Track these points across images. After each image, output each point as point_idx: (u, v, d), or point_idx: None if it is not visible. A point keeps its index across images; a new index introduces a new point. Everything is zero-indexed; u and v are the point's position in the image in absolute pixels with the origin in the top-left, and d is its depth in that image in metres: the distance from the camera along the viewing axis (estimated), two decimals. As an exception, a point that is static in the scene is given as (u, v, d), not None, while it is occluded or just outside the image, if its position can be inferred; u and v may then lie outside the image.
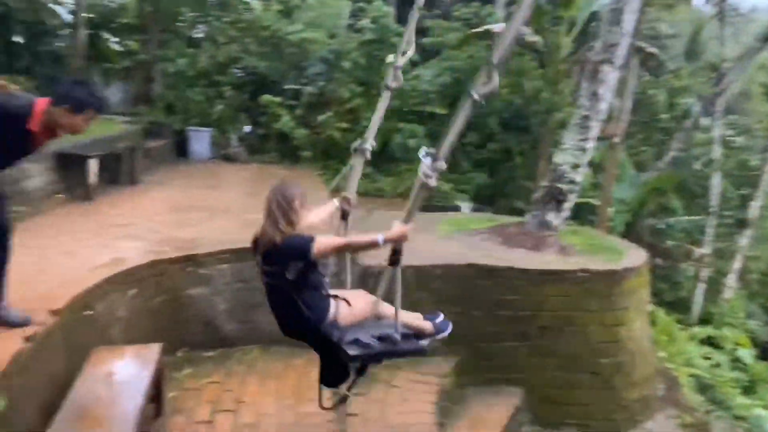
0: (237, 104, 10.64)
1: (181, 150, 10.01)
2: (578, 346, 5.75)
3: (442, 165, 3.05)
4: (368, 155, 3.91)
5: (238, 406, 4.34)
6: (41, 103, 3.17)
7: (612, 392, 5.87)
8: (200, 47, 10.68)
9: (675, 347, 8.04)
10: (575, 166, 6.65)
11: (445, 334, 3.63)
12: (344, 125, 10.01)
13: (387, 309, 3.35)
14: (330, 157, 10.20)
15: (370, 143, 3.96)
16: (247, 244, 5.13)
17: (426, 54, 12.04)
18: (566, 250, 6.37)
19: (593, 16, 10.93)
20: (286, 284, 3.11)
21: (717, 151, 14.08)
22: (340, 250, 3.36)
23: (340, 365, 3.44)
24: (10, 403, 2.96)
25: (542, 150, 10.52)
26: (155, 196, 7.08)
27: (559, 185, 6.62)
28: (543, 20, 10.10)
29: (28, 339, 3.30)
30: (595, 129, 6.66)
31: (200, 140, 10.00)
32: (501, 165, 10.67)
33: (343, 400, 3.78)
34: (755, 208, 13.88)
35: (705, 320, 12.66)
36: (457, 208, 9.32)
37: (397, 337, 3.22)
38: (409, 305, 5.45)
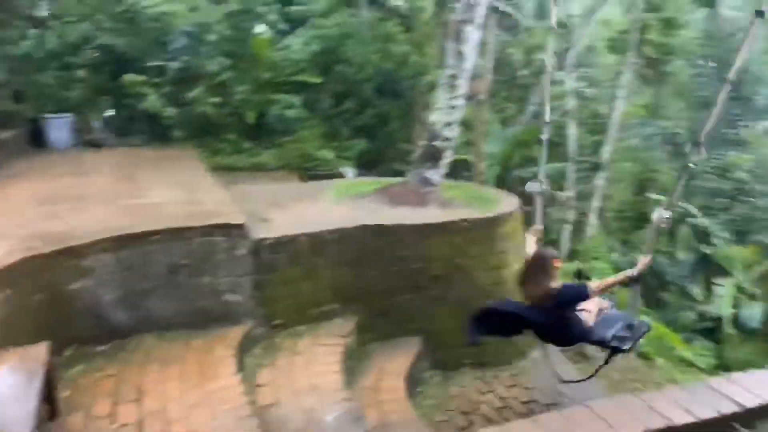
0: (97, 86, 9.87)
1: (37, 139, 9.16)
2: (467, 291, 6.15)
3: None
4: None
5: (141, 395, 4.21)
6: None
7: (500, 329, 6.36)
8: (46, 27, 9.74)
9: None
10: (448, 124, 6.98)
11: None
12: (216, 100, 9.66)
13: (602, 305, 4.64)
14: (206, 133, 9.82)
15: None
16: (130, 230, 4.93)
17: (294, 23, 11.88)
18: (448, 204, 6.73)
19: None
20: (563, 317, 4.26)
21: (571, 103, 15.29)
22: (604, 290, 4.29)
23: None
24: None
25: (416, 112, 10.85)
26: (14, 191, 6.50)
27: (435, 143, 6.93)
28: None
29: None
30: (463, 87, 7.01)
31: (58, 127, 9.20)
32: (379, 130, 10.89)
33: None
34: (606, 152, 15.32)
35: (573, 257, 13.94)
36: (341, 175, 9.43)
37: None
38: (306, 271, 5.54)
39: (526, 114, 15.52)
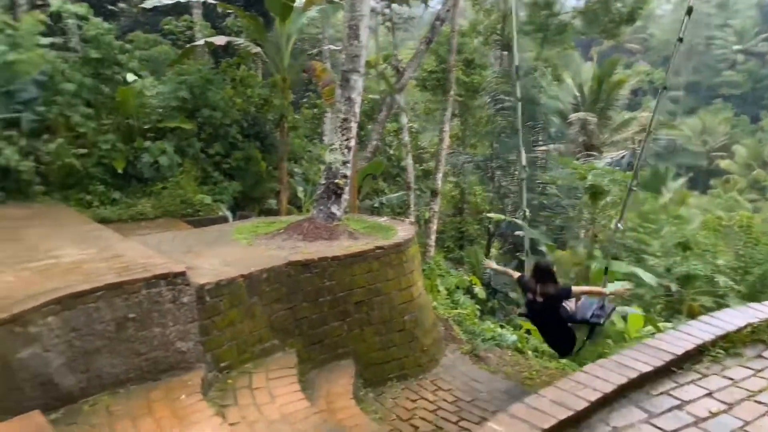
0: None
1: None
2: (387, 311, 6.82)
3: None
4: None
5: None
6: None
7: (416, 342, 7.12)
8: None
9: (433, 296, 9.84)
10: (345, 163, 7.65)
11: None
12: (81, 151, 9.14)
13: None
14: (69, 186, 9.21)
15: None
16: (70, 290, 4.84)
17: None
18: (355, 235, 7.37)
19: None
20: (557, 309, 6.02)
21: (406, 137, 16.84)
22: (578, 294, 6.23)
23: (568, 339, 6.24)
24: None
25: (281, 152, 11.30)
26: None
27: (336, 181, 7.54)
28: (263, 33, 10.81)
29: None
30: (354, 129, 7.75)
31: None
32: (247, 171, 11.13)
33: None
34: (439, 180, 17.09)
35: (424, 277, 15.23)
36: (224, 219, 9.51)
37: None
38: (245, 312, 5.79)
39: (367, 149, 16.71)
